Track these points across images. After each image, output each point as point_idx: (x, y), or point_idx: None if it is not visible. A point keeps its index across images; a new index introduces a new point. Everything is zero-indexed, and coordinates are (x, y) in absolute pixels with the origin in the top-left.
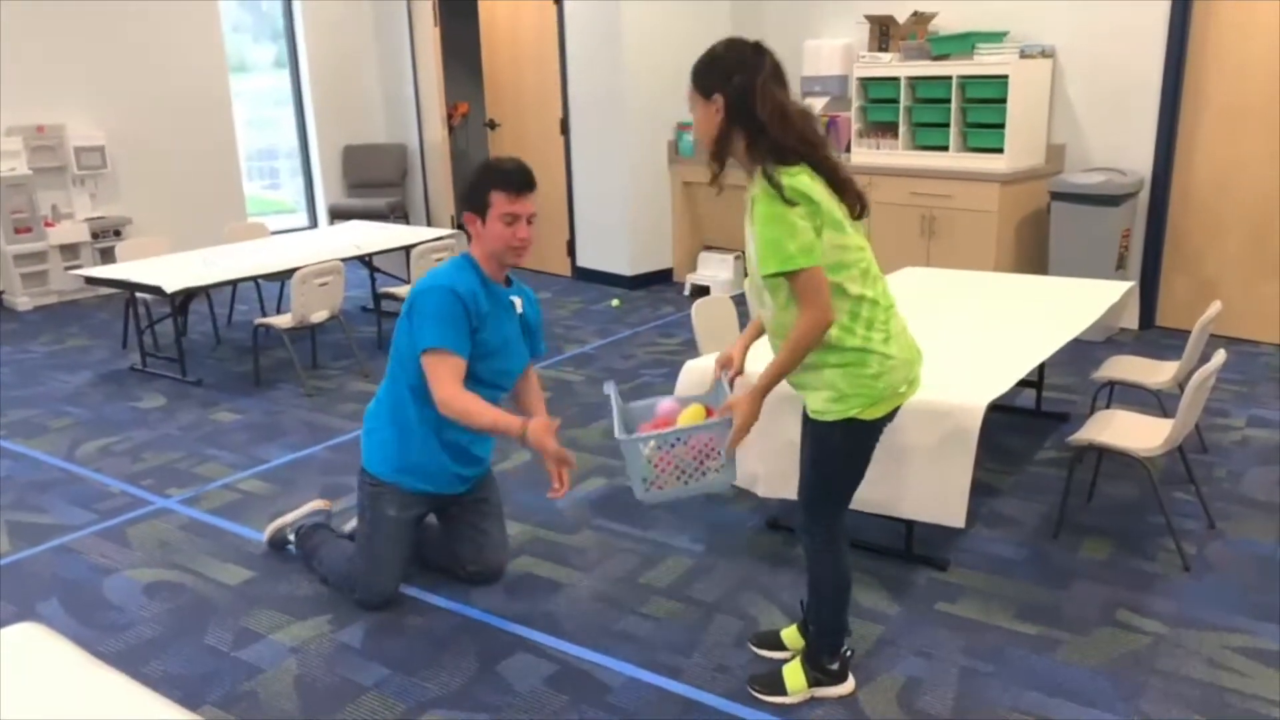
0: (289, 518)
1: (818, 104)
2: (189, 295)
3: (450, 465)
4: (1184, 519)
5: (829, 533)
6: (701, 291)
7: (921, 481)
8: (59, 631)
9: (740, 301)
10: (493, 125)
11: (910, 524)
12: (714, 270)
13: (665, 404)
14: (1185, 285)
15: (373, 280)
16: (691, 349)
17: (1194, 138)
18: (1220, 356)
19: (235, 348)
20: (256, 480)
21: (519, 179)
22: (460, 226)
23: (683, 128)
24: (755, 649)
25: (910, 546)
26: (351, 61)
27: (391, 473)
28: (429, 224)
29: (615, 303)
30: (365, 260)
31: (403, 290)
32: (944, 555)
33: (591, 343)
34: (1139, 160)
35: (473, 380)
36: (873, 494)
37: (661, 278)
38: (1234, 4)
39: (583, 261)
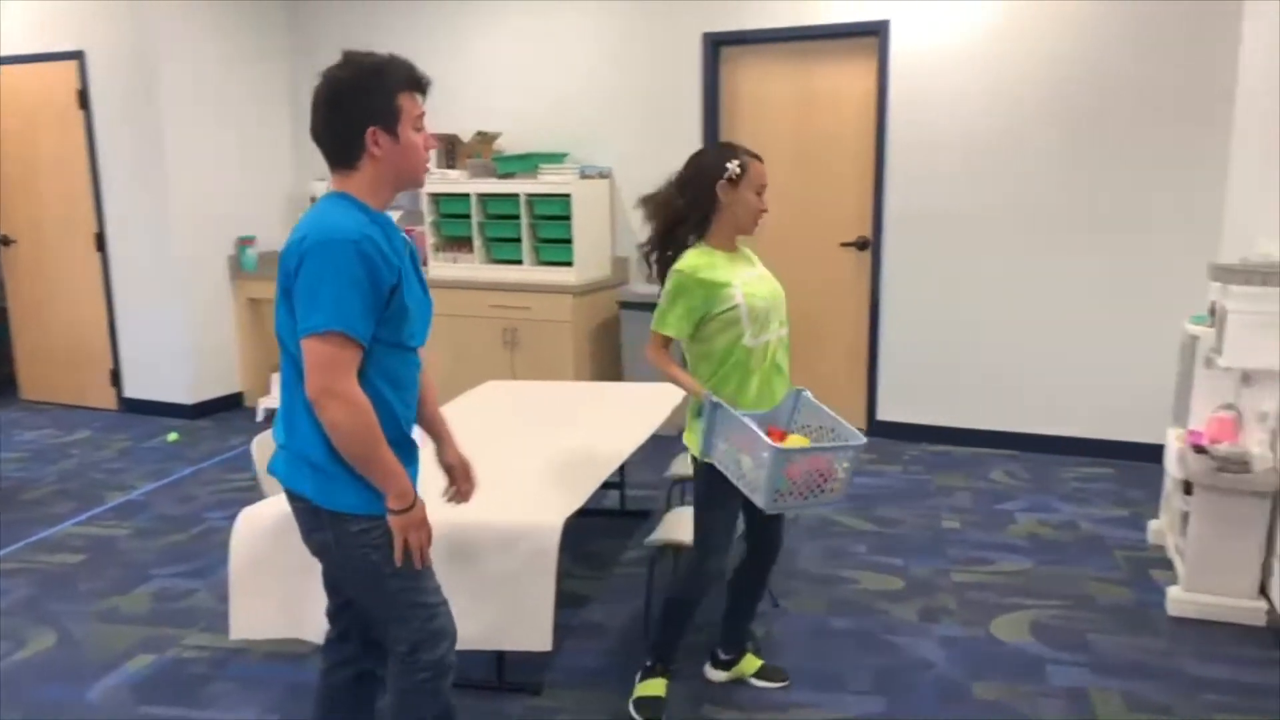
0: None
1: (392, 217)
2: None
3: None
4: None
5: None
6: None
7: (505, 609)
8: None
9: None
10: (6, 241)
11: (501, 653)
12: None
13: (753, 418)
14: None
15: None
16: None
17: None
18: None
19: None
20: None
21: (422, 74)
22: (343, 162)
23: (244, 241)
24: None
25: (502, 675)
26: None
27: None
28: None
29: (172, 437)
30: None
31: None
32: (538, 679)
33: (140, 487)
34: None
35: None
36: (459, 628)
37: (230, 403)
38: (752, 134)
39: (131, 392)
